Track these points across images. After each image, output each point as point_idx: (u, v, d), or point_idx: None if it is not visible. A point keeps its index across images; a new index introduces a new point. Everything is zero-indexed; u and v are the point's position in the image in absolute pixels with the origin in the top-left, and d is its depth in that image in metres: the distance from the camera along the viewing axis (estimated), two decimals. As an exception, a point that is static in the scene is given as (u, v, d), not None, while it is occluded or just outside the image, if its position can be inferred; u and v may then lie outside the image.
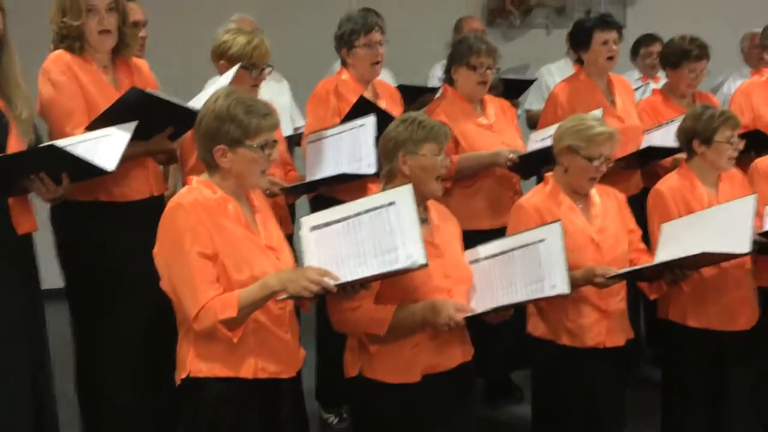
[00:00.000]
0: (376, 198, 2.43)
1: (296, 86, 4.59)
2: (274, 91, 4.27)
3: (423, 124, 2.65)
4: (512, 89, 4.51)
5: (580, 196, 2.94)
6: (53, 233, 3.02)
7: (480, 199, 3.55)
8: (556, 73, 5.09)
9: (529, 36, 6.61)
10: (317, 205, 3.47)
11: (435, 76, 5.04)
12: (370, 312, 2.47)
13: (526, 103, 5.06)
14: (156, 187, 3.05)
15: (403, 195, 2.38)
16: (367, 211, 2.38)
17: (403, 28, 5.37)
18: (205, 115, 2.32)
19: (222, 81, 2.98)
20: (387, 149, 2.67)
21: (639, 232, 3.03)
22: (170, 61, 4.25)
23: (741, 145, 3.09)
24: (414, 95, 4.36)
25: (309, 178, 3.29)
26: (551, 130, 3.33)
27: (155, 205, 2.99)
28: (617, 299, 2.91)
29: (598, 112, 3.35)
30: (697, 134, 3.09)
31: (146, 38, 3.77)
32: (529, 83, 4.76)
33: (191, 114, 2.74)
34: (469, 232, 2.94)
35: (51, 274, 2.99)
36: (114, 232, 2.91)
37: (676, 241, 2.86)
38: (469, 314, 2.51)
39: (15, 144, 2.63)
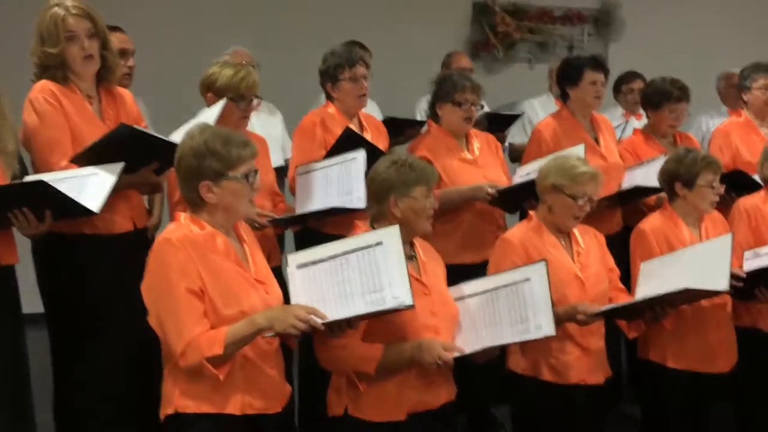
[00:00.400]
0: (363, 238, 2.44)
1: (290, 118, 4.60)
2: (266, 123, 4.30)
3: (413, 166, 2.67)
4: (497, 123, 4.57)
5: (563, 233, 2.98)
6: (35, 263, 3.00)
7: (462, 234, 3.57)
8: (538, 107, 5.15)
9: (512, 69, 6.68)
10: (302, 238, 3.50)
11: (421, 110, 5.10)
12: (358, 350, 2.47)
13: (509, 136, 5.10)
14: (139, 219, 3.05)
15: (391, 235, 2.39)
16: (354, 251, 2.39)
17: (390, 60, 5.42)
18: (183, 154, 2.32)
19: (210, 113, 2.99)
20: (377, 191, 2.68)
21: (618, 272, 3.08)
22: (163, 91, 4.25)
23: (722, 189, 3.15)
24: (400, 128, 4.40)
25: (298, 210, 3.30)
26: (536, 164, 3.39)
27: (138, 238, 3.02)
28: (597, 337, 2.95)
29: (579, 148, 3.40)
30: (679, 177, 3.14)
31: (134, 68, 3.77)
32: (514, 118, 4.81)
33: (175, 148, 2.77)
34: (450, 266, 2.95)
35: (31, 299, 2.95)
36: (97, 265, 2.89)
37: (656, 279, 2.90)
38: (457, 354, 2.52)
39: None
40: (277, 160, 4.22)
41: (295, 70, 5.34)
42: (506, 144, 4.86)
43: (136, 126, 2.77)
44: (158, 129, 3.97)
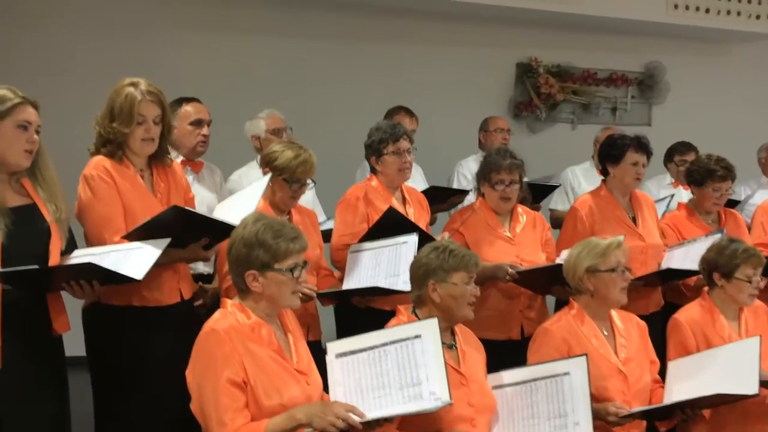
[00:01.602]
0: (402, 329, 2.49)
1: (319, 183, 4.69)
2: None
3: (453, 252, 2.73)
4: (535, 193, 4.60)
5: (605, 321, 2.99)
6: (84, 329, 3.08)
7: (486, 309, 3.55)
8: (580, 174, 5.17)
9: (555, 130, 6.73)
10: (343, 311, 3.56)
11: (459, 173, 5.15)
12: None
13: (551, 203, 5.12)
14: (186, 291, 3.12)
15: (430, 329, 2.44)
16: (393, 343, 2.44)
17: (433, 121, 5.51)
18: (235, 241, 2.41)
19: (257, 188, 3.09)
20: (417, 275, 2.74)
21: (658, 364, 3.07)
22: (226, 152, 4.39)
23: (762, 284, 3.13)
24: (444, 196, 4.45)
25: (344, 286, 3.35)
26: None
27: (185, 309, 3.10)
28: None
29: (620, 239, 3.39)
30: (718, 267, 3.14)
31: (209, 136, 3.87)
32: (552, 188, 4.83)
33: (226, 227, 2.85)
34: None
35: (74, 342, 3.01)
36: (144, 336, 2.95)
37: (685, 379, 2.89)
38: None
39: (56, 246, 2.70)
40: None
41: (327, 137, 5.47)
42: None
43: (186, 208, 2.86)
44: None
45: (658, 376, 3.05)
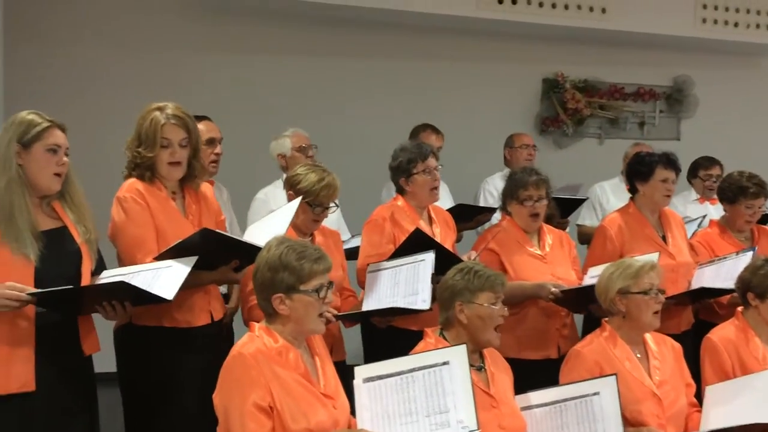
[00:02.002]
0: (430, 356, 2.48)
1: (345, 201, 4.70)
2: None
3: (479, 273, 2.72)
4: (562, 207, 4.57)
5: (638, 344, 2.96)
6: (116, 354, 3.11)
7: (525, 329, 3.55)
8: (609, 190, 5.13)
9: (582, 145, 6.68)
10: (369, 330, 3.55)
11: (485, 190, 5.13)
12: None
13: (579, 218, 5.09)
14: (216, 312, 3.13)
15: (458, 356, 2.43)
16: (421, 369, 2.44)
17: (459, 137, 5.50)
18: (260, 266, 2.42)
19: (287, 211, 3.09)
20: (444, 297, 2.74)
21: (694, 387, 3.02)
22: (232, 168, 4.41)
23: (797, 304, 3.08)
24: (471, 214, 4.44)
25: (364, 307, 3.35)
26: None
27: (216, 331, 3.12)
28: None
29: (653, 256, 3.36)
30: (752, 287, 3.10)
31: (221, 155, 3.89)
32: (579, 202, 4.80)
33: (254, 250, 2.86)
34: (510, 361, 2.96)
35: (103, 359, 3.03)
36: (175, 358, 2.97)
37: (723, 406, 2.84)
38: None
39: (87, 266, 2.75)
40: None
41: (358, 152, 5.49)
42: (568, 229, 4.83)
43: (216, 230, 2.88)
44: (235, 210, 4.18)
45: (694, 399, 3.01)
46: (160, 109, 2.97)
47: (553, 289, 3.43)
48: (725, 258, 3.72)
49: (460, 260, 3.32)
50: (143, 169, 2.99)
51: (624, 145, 5.59)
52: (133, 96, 5.04)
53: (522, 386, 2.82)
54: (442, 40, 6.19)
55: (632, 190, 3.93)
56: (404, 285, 3.24)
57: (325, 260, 2.43)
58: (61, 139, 2.67)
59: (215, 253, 2.89)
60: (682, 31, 6.36)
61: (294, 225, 3.30)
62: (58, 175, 2.66)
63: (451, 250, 3.59)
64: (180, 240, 2.82)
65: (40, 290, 2.50)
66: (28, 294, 2.47)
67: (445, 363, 2.42)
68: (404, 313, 3.22)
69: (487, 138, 6.04)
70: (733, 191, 3.99)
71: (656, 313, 2.91)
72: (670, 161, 3.79)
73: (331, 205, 3.32)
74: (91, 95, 5.41)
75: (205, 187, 3.21)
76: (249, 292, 3.19)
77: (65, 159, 2.67)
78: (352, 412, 2.49)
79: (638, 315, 2.90)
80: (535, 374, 3.07)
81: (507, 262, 3.57)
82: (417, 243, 3.35)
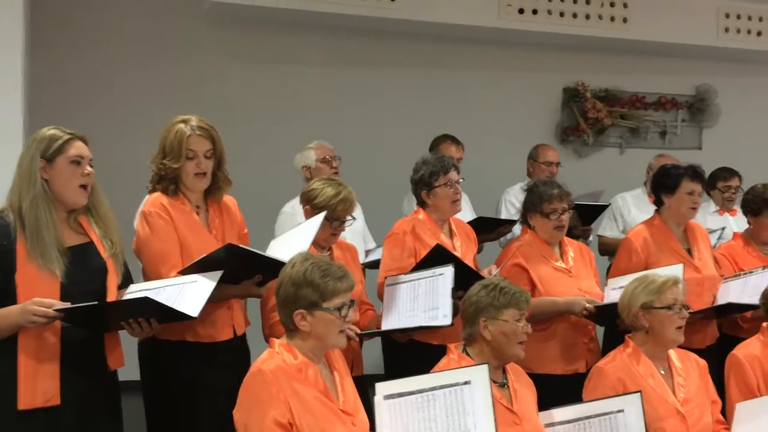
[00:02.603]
0: (452, 374, 2.48)
1: (369, 210, 4.72)
2: (349, 216, 4.37)
3: (504, 290, 2.72)
4: (584, 215, 4.55)
5: (662, 360, 2.93)
6: (140, 367, 3.12)
7: (553, 344, 3.54)
8: (630, 201, 5.08)
9: (602, 154, 6.66)
10: (389, 342, 3.55)
11: (506, 201, 5.11)
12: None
13: (599, 228, 5.06)
14: (239, 326, 3.14)
15: (480, 375, 2.42)
16: (442, 387, 2.43)
17: (479, 147, 5.49)
18: (283, 281, 2.43)
19: (311, 226, 3.10)
20: (468, 313, 2.73)
21: (719, 404, 3.00)
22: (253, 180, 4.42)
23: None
24: (492, 226, 4.42)
25: (384, 323, 3.34)
26: (629, 278, 3.34)
27: (239, 345, 3.13)
28: None
29: (677, 268, 3.34)
30: (776, 303, 3.07)
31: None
32: (601, 209, 4.77)
33: (278, 265, 2.86)
34: (540, 376, 2.94)
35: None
36: (198, 372, 2.98)
37: (751, 423, 2.80)
38: None
39: (113, 283, 2.75)
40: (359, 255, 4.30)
41: (379, 162, 5.50)
42: (591, 238, 4.82)
43: (240, 245, 2.89)
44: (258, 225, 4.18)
45: (720, 416, 2.98)
46: (184, 121, 3.00)
47: (588, 305, 3.40)
48: (751, 272, 3.69)
49: (480, 275, 3.32)
50: (168, 182, 3.01)
51: (645, 154, 5.56)
52: (154, 104, 5.13)
53: (551, 402, 2.80)
54: (463, 50, 6.20)
55: (657, 202, 3.90)
56: (423, 299, 3.24)
57: (348, 279, 2.44)
58: (83, 150, 2.68)
59: (239, 268, 2.90)
60: (704, 40, 6.33)
61: None
62: (83, 187, 2.68)
63: (472, 263, 3.59)
64: (205, 254, 2.83)
65: (65, 306, 2.51)
66: (54, 310, 2.49)
67: (466, 382, 2.41)
68: (425, 329, 3.21)
69: (508, 147, 6.03)
70: (757, 203, 3.95)
71: (680, 328, 2.89)
72: (696, 174, 3.75)
73: (348, 218, 3.32)
74: (113, 103, 5.47)
75: (229, 200, 3.22)
76: (270, 309, 3.20)
77: (89, 169, 2.69)
78: (372, 428, 2.49)
79: (661, 330, 2.88)
80: (564, 389, 3.05)
81: (535, 276, 3.55)
82: (438, 258, 3.34)
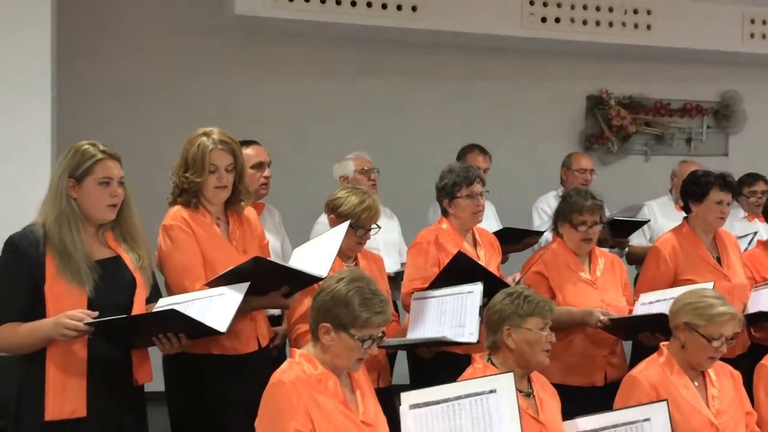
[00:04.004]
0: (477, 383, 2.47)
1: (406, 222, 4.73)
2: (386, 228, 4.31)
3: (528, 298, 2.70)
4: (621, 229, 4.51)
5: (696, 371, 2.89)
6: (165, 380, 3.14)
7: (571, 355, 3.50)
8: (657, 210, 5.04)
9: (627, 162, 6.62)
10: (415, 356, 3.54)
11: (540, 209, 5.08)
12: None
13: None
14: (264, 338, 3.14)
15: (505, 383, 2.41)
16: (467, 396, 2.43)
17: (504, 155, 5.47)
18: (324, 290, 2.42)
19: (335, 236, 3.09)
20: (491, 321, 2.72)
21: (755, 415, 2.95)
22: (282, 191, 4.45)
23: None
24: (518, 237, 4.40)
25: (409, 335, 3.33)
26: (661, 294, 3.32)
27: (263, 357, 3.13)
28: None
29: (708, 286, 3.28)
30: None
31: (270, 177, 3.91)
32: (639, 224, 4.72)
33: (306, 277, 2.89)
34: (555, 386, 2.91)
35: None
36: (224, 385, 2.98)
37: None
38: None
39: (141, 296, 2.77)
40: (394, 265, 4.30)
41: (413, 175, 5.49)
42: (626, 250, 4.77)
43: (269, 259, 2.91)
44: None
45: (756, 428, 2.93)
46: (206, 134, 3.01)
47: (602, 317, 3.36)
48: (780, 279, 3.64)
49: (504, 283, 3.30)
50: (189, 195, 3.02)
51: (671, 161, 5.52)
52: (180, 117, 5.17)
53: (565, 413, 2.77)
54: (487, 60, 6.21)
55: (686, 209, 3.84)
56: (451, 314, 3.23)
57: (385, 314, 2.42)
58: (112, 171, 2.68)
59: (266, 280, 2.91)
60: (729, 46, 6.27)
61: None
62: (112, 206, 2.69)
63: (495, 272, 3.57)
64: (232, 267, 2.84)
65: (95, 320, 2.52)
66: (85, 323, 2.50)
67: (492, 391, 2.41)
68: (450, 344, 3.20)
69: (532, 155, 6.03)
70: None
71: (711, 359, 2.82)
72: (726, 183, 3.68)
73: (373, 226, 3.32)
74: (139, 115, 5.54)
75: (249, 211, 3.23)
76: (296, 321, 3.22)
77: (119, 190, 2.69)
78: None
79: (694, 353, 2.82)
80: (579, 401, 3.01)
81: (555, 286, 3.53)
82: (460, 266, 3.33)
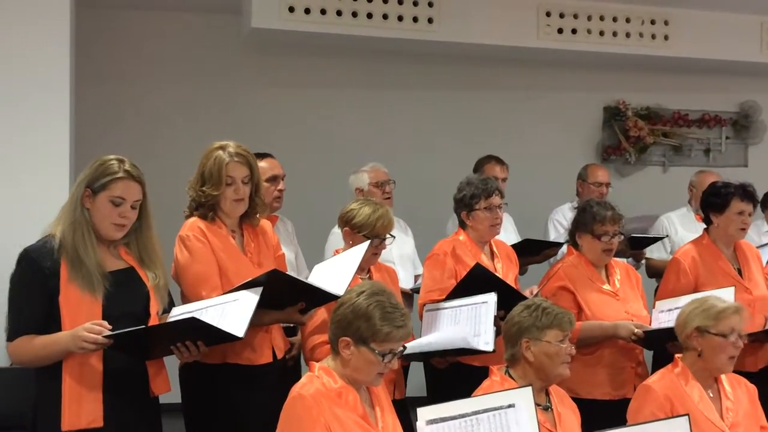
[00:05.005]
0: (496, 397, 2.45)
1: (419, 235, 4.70)
2: (400, 241, 4.27)
3: (547, 311, 2.68)
4: (637, 242, 4.47)
5: (711, 383, 2.86)
6: (181, 390, 3.14)
7: (600, 369, 3.44)
8: (676, 221, 5.00)
9: (645, 173, 6.58)
10: (431, 368, 3.51)
11: (555, 221, 5.05)
12: None
13: (647, 251, 4.96)
14: (279, 349, 3.13)
15: (524, 397, 2.39)
16: (485, 411, 2.40)
17: (521, 166, 5.45)
18: (345, 303, 2.41)
19: (355, 254, 3.07)
20: (510, 334, 2.70)
21: None
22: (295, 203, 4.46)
23: None
24: (538, 249, 4.38)
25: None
26: (678, 302, 3.27)
27: (279, 369, 3.12)
28: None
29: (728, 292, 3.25)
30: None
31: (284, 190, 3.91)
32: (655, 240, 4.67)
33: (323, 294, 2.87)
34: (587, 401, 2.88)
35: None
36: (239, 396, 2.98)
37: None
38: None
39: (154, 310, 2.76)
40: (408, 278, 4.28)
41: (422, 187, 5.48)
42: (642, 261, 4.73)
43: (287, 273, 2.92)
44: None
45: None
46: (222, 148, 3.02)
47: (637, 330, 3.31)
48: (801, 292, 3.58)
49: (522, 296, 3.28)
50: (206, 208, 3.03)
51: (689, 172, 5.46)
52: (197, 130, 5.20)
53: (598, 428, 2.72)
54: (503, 71, 6.20)
55: (706, 220, 3.79)
56: (465, 324, 3.20)
57: (406, 329, 2.40)
58: (128, 192, 2.64)
59: (282, 293, 2.90)
60: (747, 56, 6.22)
61: None
62: (119, 226, 2.66)
63: (513, 285, 3.54)
64: (249, 279, 2.83)
65: (114, 332, 2.52)
66: (103, 336, 2.50)
67: (510, 405, 2.38)
68: (466, 353, 3.18)
69: (549, 166, 6.00)
70: None
71: (732, 358, 2.80)
72: (747, 193, 3.64)
73: (388, 236, 3.31)
74: (156, 129, 5.57)
75: (264, 223, 3.23)
76: (310, 333, 3.20)
77: (129, 213, 2.66)
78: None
79: (712, 357, 2.80)
80: (611, 414, 2.97)
81: (582, 299, 3.47)
82: (478, 278, 3.31)
